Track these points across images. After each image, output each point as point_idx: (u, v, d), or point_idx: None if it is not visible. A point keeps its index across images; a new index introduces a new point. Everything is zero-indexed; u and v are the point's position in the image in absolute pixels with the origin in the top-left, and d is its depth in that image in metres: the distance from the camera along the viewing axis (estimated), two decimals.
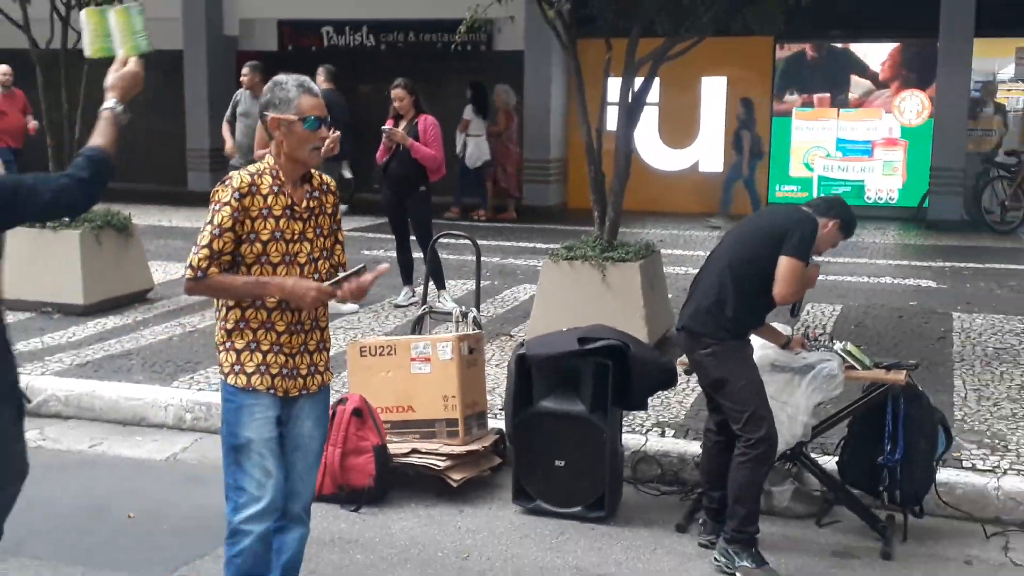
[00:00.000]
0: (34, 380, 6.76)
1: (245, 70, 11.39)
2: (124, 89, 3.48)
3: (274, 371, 3.50)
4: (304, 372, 3.59)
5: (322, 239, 3.64)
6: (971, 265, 11.74)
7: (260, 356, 3.50)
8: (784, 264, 4.49)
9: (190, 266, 3.49)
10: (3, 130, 12.85)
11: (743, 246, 4.73)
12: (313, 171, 3.68)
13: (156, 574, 4.23)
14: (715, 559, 4.61)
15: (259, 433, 3.48)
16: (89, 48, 4.61)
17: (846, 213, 4.80)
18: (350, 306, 8.86)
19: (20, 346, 7.59)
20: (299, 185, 3.59)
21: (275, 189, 3.50)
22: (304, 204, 3.58)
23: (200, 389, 6.60)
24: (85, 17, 4.33)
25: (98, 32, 4.43)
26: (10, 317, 8.31)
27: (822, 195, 4.44)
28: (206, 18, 17.59)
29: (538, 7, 7.58)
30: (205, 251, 3.47)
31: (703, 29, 7.28)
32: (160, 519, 4.88)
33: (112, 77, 3.49)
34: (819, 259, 4.80)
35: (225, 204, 3.47)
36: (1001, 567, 4.65)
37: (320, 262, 3.60)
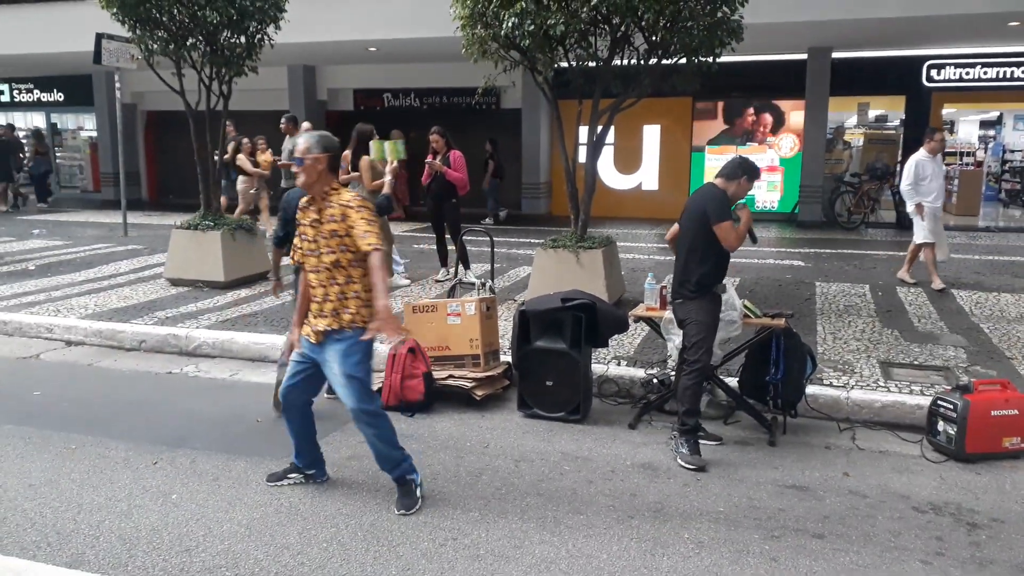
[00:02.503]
0: (192, 332, 6.78)
1: (282, 121, 11.59)
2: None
3: None
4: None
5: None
6: (827, 251, 11.69)
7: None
8: (718, 230, 4.52)
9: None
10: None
11: (687, 232, 4.71)
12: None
13: (277, 457, 4.25)
14: (667, 442, 4.72)
15: None
16: (374, 154, 6.75)
17: (748, 168, 4.72)
18: (405, 280, 8.89)
19: (182, 309, 7.63)
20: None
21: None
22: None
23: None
24: (376, 144, 6.64)
25: (379, 148, 6.63)
26: (175, 290, 8.46)
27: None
28: (304, 87, 17.50)
29: (531, 76, 7.54)
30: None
31: (644, 90, 7.25)
32: (278, 423, 4.91)
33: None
34: (742, 202, 4.72)
35: None
36: (850, 451, 4.64)
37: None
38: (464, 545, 3.45)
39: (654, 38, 6.94)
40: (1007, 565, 3.30)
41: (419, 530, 3.59)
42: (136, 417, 5.12)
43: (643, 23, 6.72)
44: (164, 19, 8.17)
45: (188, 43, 8.34)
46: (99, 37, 11.57)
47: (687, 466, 4.38)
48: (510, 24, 6.47)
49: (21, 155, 18.26)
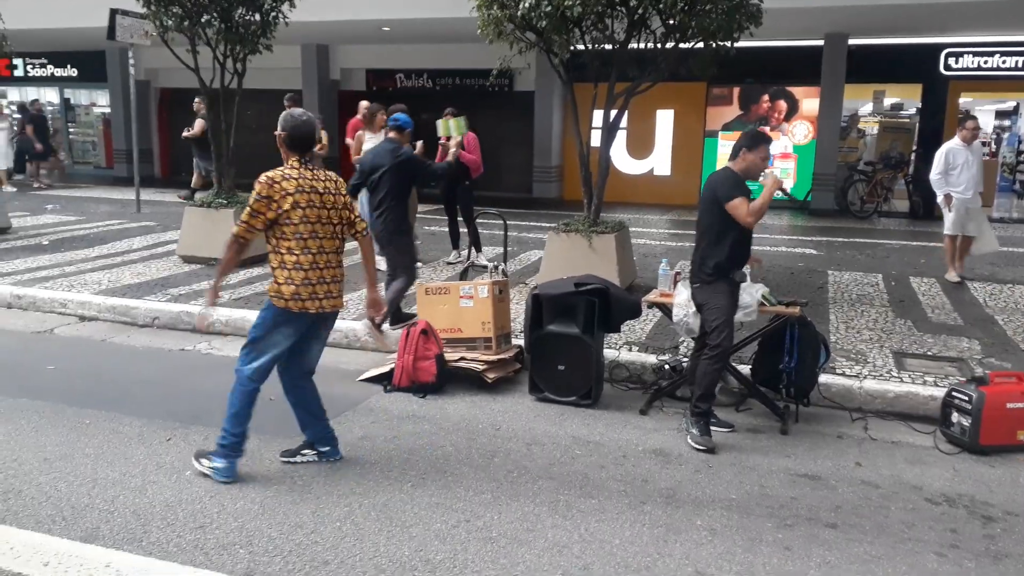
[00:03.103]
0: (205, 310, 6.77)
1: (286, 99, 11.18)
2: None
3: None
4: None
5: None
6: (840, 239, 11.62)
7: None
8: (729, 209, 4.50)
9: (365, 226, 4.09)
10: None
11: (702, 216, 4.74)
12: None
13: (290, 435, 4.24)
14: (679, 427, 4.71)
15: None
16: (441, 131, 7.14)
17: (746, 138, 4.68)
18: (418, 262, 8.84)
19: (195, 287, 7.64)
20: None
21: None
22: None
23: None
24: (442, 122, 7.11)
25: (445, 126, 7.03)
26: (188, 268, 8.46)
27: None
28: (317, 67, 17.43)
29: (546, 58, 7.47)
30: None
31: (660, 74, 7.17)
32: (284, 402, 4.94)
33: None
34: (768, 171, 4.71)
35: None
36: (862, 440, 4.62)
37: None
38: (477, 527, 3.45)
39: (671, 21, 6.86)
40: (1022, 560, 3.27)
41: (432, 511, 3.58)
42: (149, 393, 5.13)
43: (660, 5, 6.63)
44: None
45: (203, 20, 8.29)
46: (113, 13, 11.52)
47: (697, 447, 4.40)
48: (527, 4, 6.40)
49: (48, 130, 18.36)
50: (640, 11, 6.74)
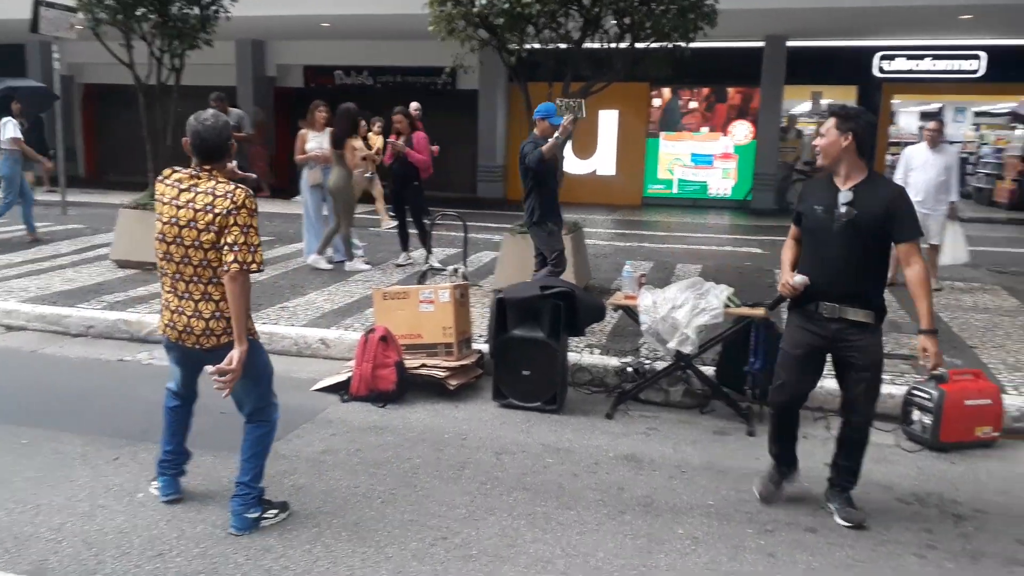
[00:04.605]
0: (144, 317, 6.46)
1: (212, 98, 10.81)
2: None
3: None
4: None
5: None
6: (782, 238, 11.67)
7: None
8: None
9: (256, 262, 3.14)
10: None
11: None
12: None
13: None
14: (647, 432, 4.63)
15: None
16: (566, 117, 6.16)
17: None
18: (366, 265, 8.65)
19: (131, 293, 7.28)
20: None
21: None
22: None
23: (263, 322, 6.38)
24: (568, 103, 6.18)
25: (570, 106, 6.16)
26: (123, 272, 8.06)
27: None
28: (252, 63, 16.97)
29: (491, 57, 7.38)
30: (261, 251, 3.22)
31: (616, 74, 7.14)
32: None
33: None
34: None
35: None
36: (827, 440, 4.62)
37: None
38: (455, 545, 3.32)
39: (626, 20, 6.84)
40: (999, 558, 3.32)
41: (406, 529, 3.44)
42: (91, 408, 4.83)
43: (615, 5, 6.61)
44: None
45: (138, 13, 7.90)
46: (37, 4, 10.92)
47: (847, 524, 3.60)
48: (483, 1, 6.29)
49: None
50: (595, 10, 6.70)
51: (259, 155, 15.19)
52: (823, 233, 3.53)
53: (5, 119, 9.93)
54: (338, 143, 8.13)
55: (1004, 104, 18.12)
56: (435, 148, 8.67)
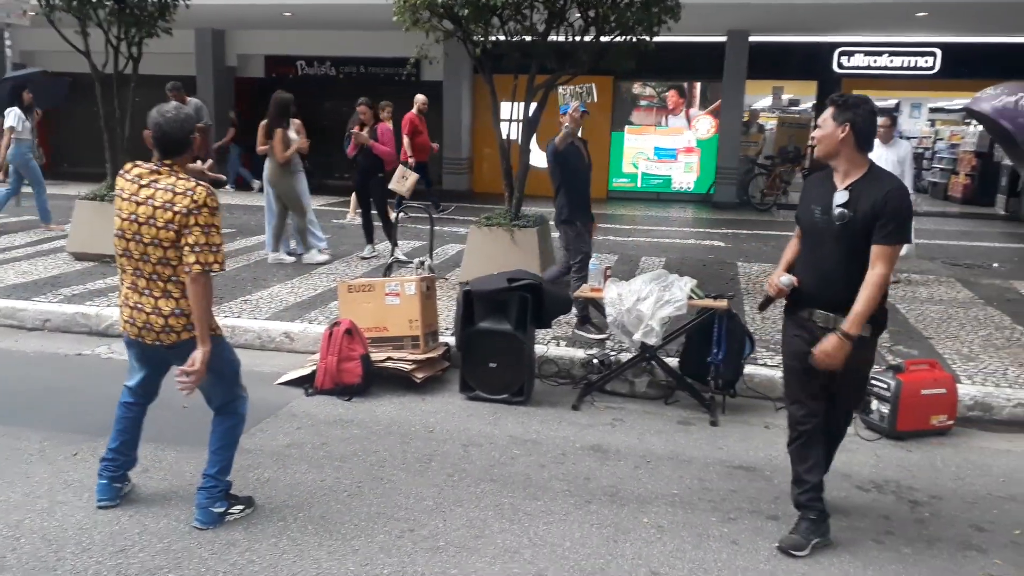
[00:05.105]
0: (103, 310, 6.34)
1: (168, 88, 10.27)
2: None
3: None
4: None
5: None
6: (744, 231, 11.99)
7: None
8: None
9: (218, 261, 3.11)
10: (419, 146, 11.54)
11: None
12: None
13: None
14: (613, 423, 4.61)
15: None
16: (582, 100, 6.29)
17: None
18: (324, 256, 8.57)
19: (89, 286, 7.13)
20: None
21: None
22: None
23: (225, 316, 6.30)
24: (573, 89, 6.23)
25: (576, 93, 6.20)
26: (80, 265, 7.89)
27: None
28: (212, 53, 16.68)
29: (456, 48, 7.36)
30: (223, 251, 3.17)
31: (580, 67, 7.17)
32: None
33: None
34: None
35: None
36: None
37: None
38: (423, 536, 3.32)
39: (591, 13, 6.86)
40: (954, 543, 3.42)
41: (373, 522, 3.43)
42: (48, 403, 4.73)
43: None
44: None
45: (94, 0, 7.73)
46: None
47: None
48: None
49: None
50: (560, 3, 6.71)
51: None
52: (819, 236, 3.26)
53: (9, 109, 9.79)
54: (269, 133, 8.00)
55: (958, 100, 18.53)
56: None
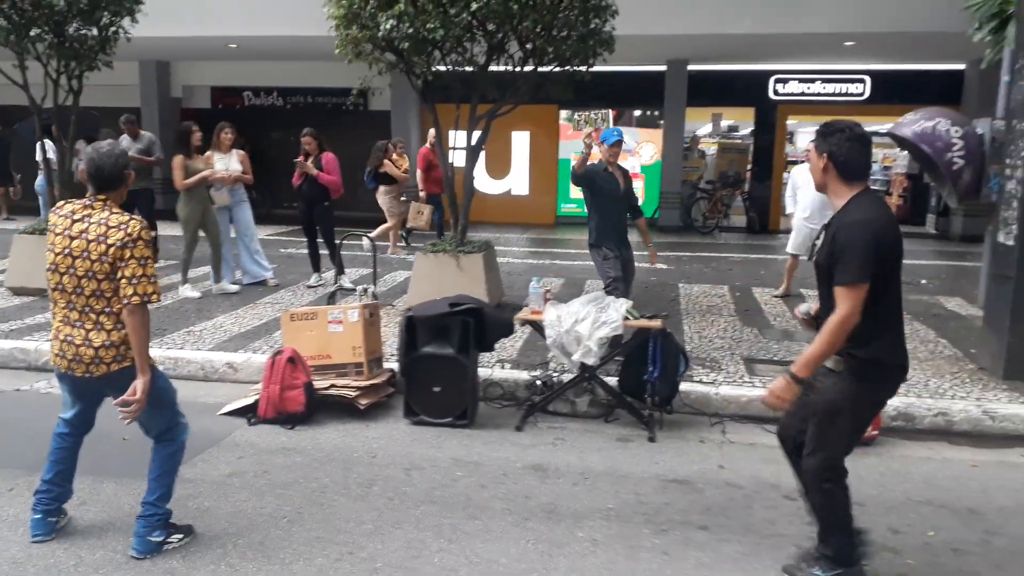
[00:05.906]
0: (42, 345, 6.24)
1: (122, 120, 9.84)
2: None
3: None
4: None
5: None
6: (687, 254, 12.29)
7: None
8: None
9: (157, 293, 3.16)
10: (435, 179, 11.26)
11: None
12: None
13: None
14: (554, 443, 4.72)
15: None
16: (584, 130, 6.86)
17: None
18: (269, 273, 8.67)
19: (27, 321, 7.02)
20: None
21: None
22: None
23: (168, 348, 6.27)
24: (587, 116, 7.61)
25: (590, 120, 7.63)
26: (18, 300, 7.75)
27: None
28: (157, 84, 16.57)
29: (403, 78, 7.50)
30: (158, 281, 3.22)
31: (520, 97, 7.35)
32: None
33: None
34: None
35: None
36: (722, 444, 4.88)
37: None
38: (361, 559, 3.37)
39: (529, 46, 7.06)
40: (874, 545, 3.57)
41: (312, 546, 3.47)
42: None
43: (519, 30, 6.81)
44: (4, 6, 7.47)
45: (32, 33, 7.68)
46: None
47: None
48: (388, 26, 6.39)
49: None
50: (499, 36, 6.90)
51: None
52: (818, 275, 3.10)
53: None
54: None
55: (888, 125, 19.26)
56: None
